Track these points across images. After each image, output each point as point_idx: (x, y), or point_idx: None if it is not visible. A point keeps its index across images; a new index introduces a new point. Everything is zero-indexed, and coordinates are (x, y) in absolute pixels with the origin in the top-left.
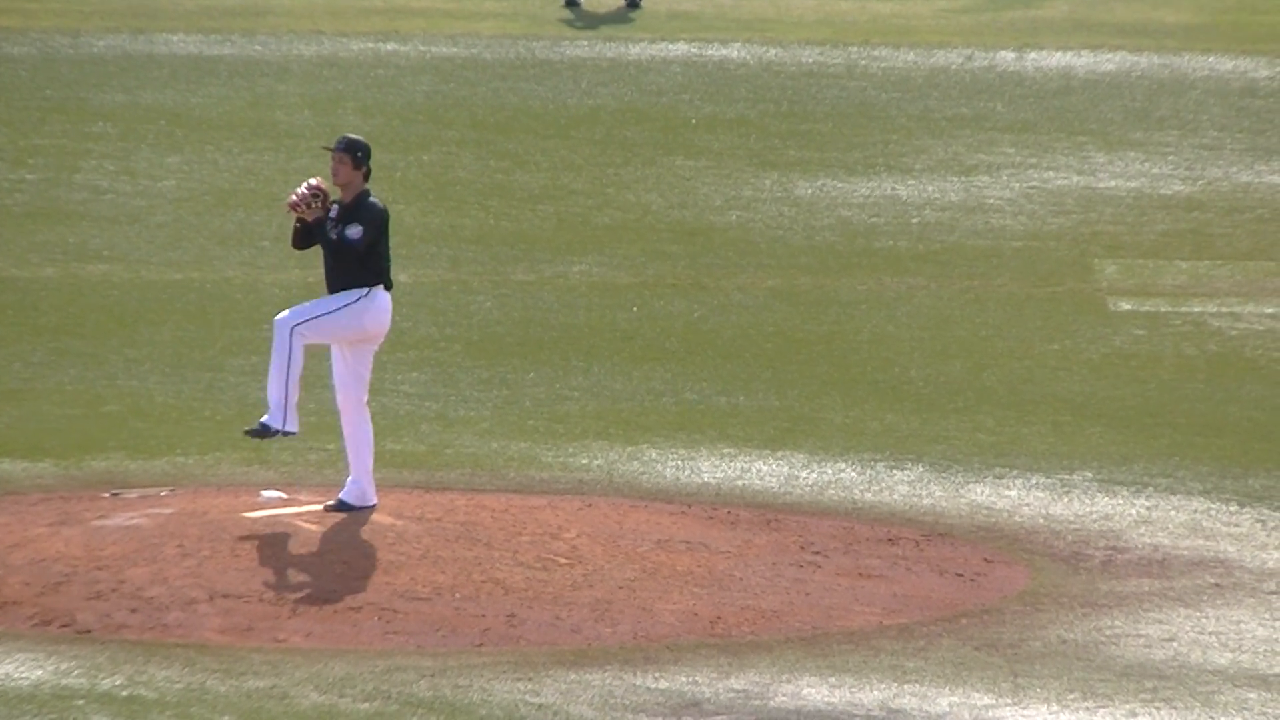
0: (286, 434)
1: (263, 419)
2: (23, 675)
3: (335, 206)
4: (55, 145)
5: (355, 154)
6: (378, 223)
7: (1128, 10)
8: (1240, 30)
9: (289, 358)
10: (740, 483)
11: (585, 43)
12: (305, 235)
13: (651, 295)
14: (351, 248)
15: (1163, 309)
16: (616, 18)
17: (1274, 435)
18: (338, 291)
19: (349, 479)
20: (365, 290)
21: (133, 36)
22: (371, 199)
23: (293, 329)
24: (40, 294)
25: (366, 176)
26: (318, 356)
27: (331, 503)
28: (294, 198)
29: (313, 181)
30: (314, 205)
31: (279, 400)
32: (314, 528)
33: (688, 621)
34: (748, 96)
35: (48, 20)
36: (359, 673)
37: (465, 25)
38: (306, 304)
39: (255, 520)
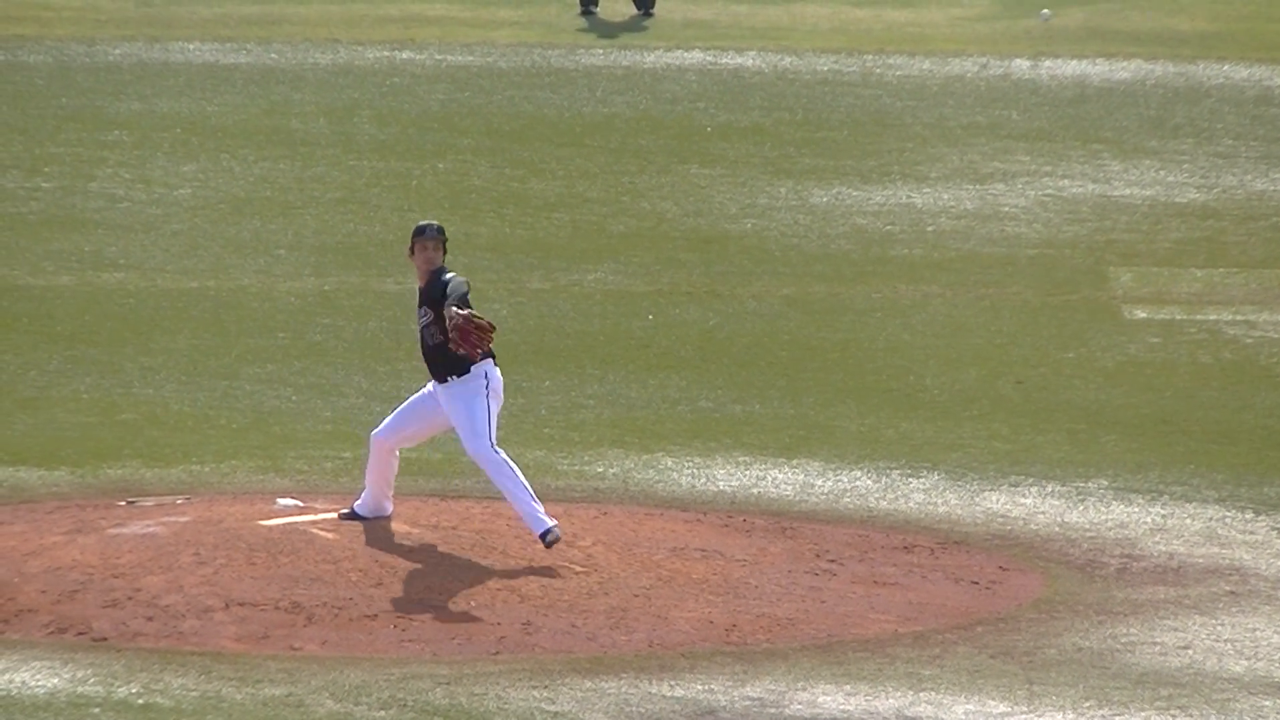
0: (554, 533)
1: (541, 534)
2: (39, 683)
3: (418, 293)
4: (71, 153)
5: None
6: (466, 286)
7: (1143, 18)
8: (1256, 38)
9: (509, 472)
10: (755, 490)
11: (600, 51)
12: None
13: (666, 303)
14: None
15: (1177, 317)
16: (631, 26)
17: None
18: (459, 367)
19: (364, 493)
20: (485, 368)
21: (148, 45)
22: (448, 272)
23: (490, 446)
24: (56, 302)
25: None
26: (332, 361)
27: (345, 510)
28: (472, 344)
29: (462, 315)
30: (485, 332)
31: (530, 512)
32: (330, 535)
33: (703, 629)
34: (762, 105)
35: (63, 29)
36: (375, 680)
37: (480, 34)
38: (472, 421)
39: (271, 528)
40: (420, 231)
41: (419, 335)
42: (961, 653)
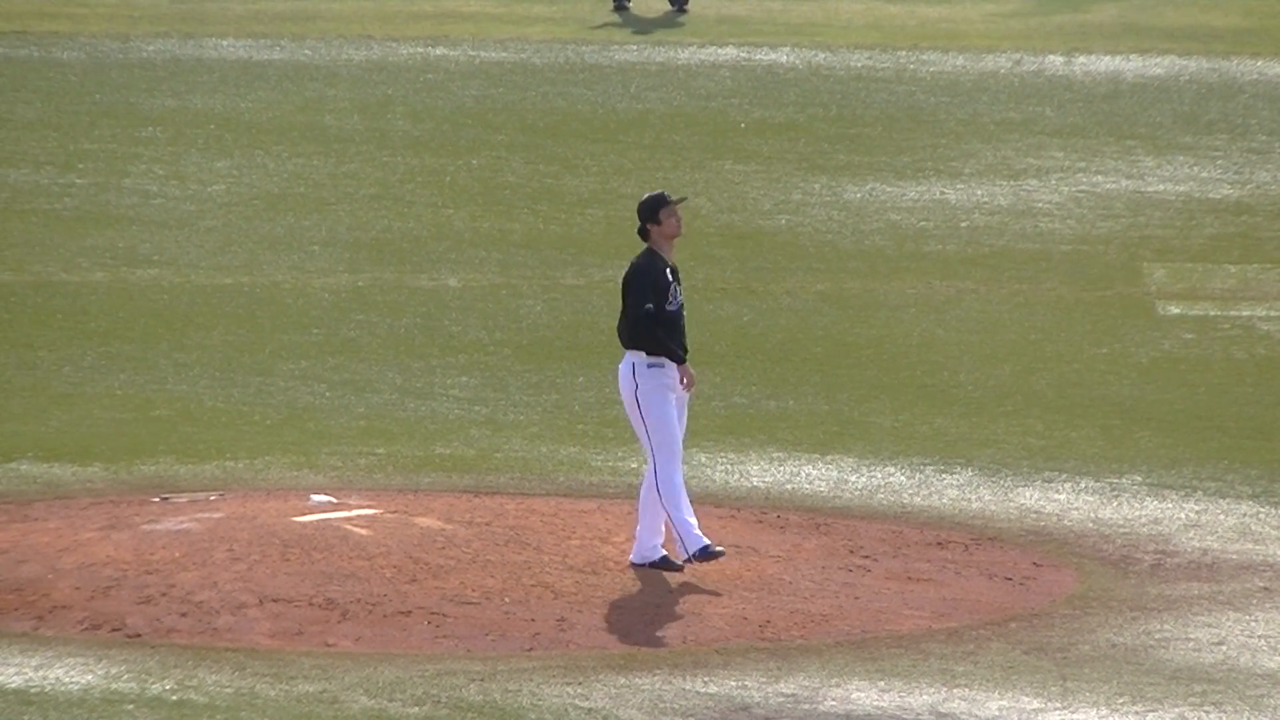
0: (712, 549)
1: (697, 553)
2: (73, 679)
3: (668, 271)
4: (105, 150)
5: None
6: None
7: (1176, 14)
8: None
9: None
10: (789, 487)
11: (634, 47)
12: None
13: (701, 299)
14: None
15: (1211, 313)
16: (665, 22)
17: None
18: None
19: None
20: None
21: (182, 41)
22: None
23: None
24: (90, 298)
25: None
26: (366, 357)
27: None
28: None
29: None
30: None
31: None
32: (363, 532)
33: (737, 625)
34: (796, 101)
35: (97, 25)
36: (409, 677)
37: (514, 30)
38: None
39: (305, 524)
40: (663, 199)
41: (676, 311)
42: (995, 649)
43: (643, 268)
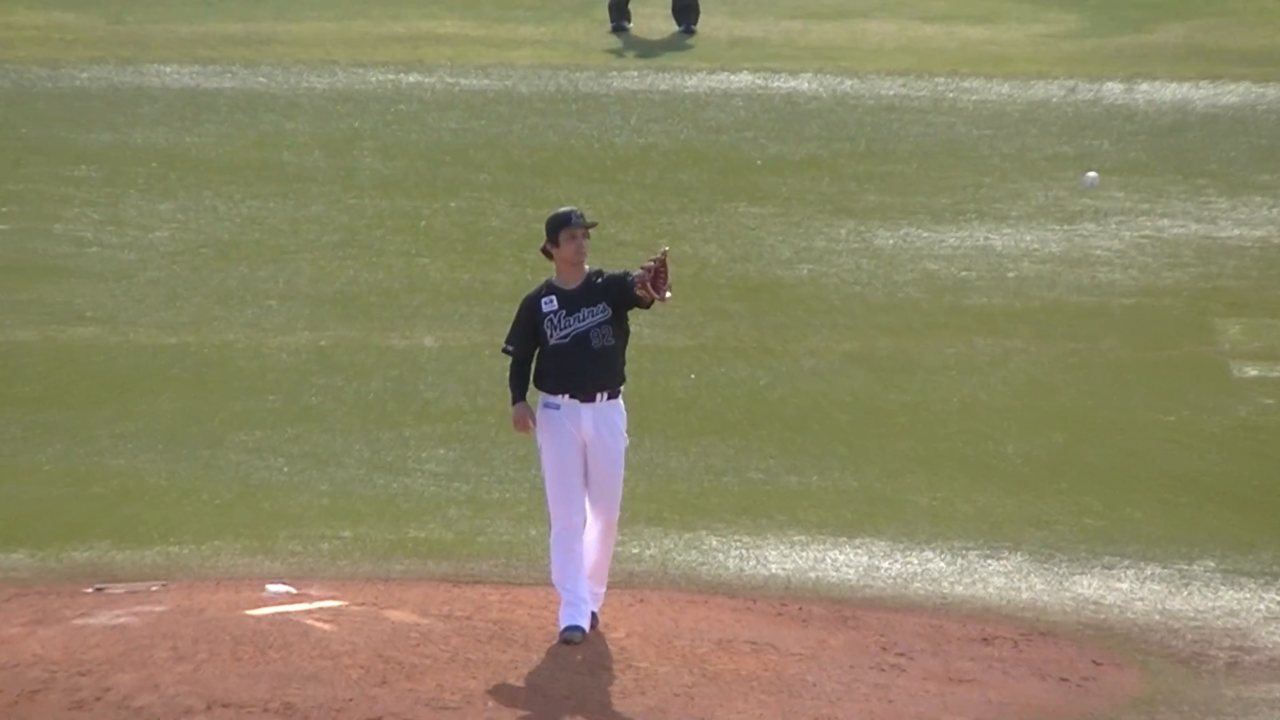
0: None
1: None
2: None
3: (553, 298)
4: (33, 191)
5: None
6: None
7: (1250, 35)
8: None
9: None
10: (813, 574)
11: (634, 74)
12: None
13: (711, 360)
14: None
15: None
16: (670, 45)
17: None
18: (614, 383)
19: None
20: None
21: (120, 68)
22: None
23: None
24: (19, 360)
25: None
26: (329, 427)
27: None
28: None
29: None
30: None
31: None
32: (326, 627)
33: None
34: (820, 134)
35: (24, 50)
36: None
37: (498, 54)
38: (619, 467)
39: (259, 619)
40: (566, 220)
41: (569, 342)
42: None
43: (523, 301)
